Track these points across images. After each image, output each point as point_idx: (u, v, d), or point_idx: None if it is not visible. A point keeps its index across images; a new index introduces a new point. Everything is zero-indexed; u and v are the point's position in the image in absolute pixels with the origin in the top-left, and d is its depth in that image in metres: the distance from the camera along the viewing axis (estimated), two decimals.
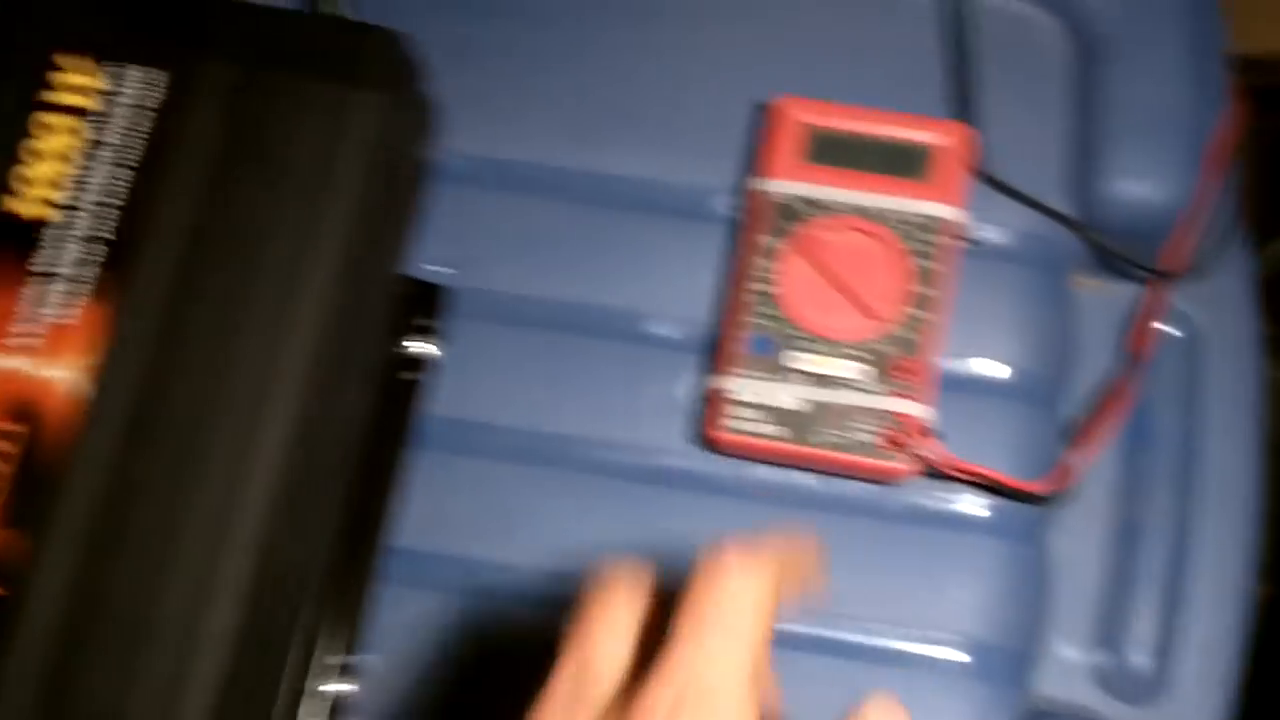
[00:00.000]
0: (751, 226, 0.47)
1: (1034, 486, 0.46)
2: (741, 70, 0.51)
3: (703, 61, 0.52)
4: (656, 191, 0.50)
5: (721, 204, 0.50)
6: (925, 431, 0.45)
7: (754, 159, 0.50)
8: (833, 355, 0.46)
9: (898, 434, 0.45)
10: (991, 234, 0.49)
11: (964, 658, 0.46)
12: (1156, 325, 0.49)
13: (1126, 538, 0.49)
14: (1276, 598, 0.65)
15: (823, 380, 0.46)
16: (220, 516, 0.40)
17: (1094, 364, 0.51)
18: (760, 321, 0.46)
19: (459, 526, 0.48)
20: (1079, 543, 0.49)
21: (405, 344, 0.49)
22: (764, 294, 0.46)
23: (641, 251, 0.50)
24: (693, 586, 0.31)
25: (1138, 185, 0.48)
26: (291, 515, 0.42)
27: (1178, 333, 0.51)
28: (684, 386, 0.49)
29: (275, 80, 0.43)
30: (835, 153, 0.47)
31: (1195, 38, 0.50)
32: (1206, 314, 0.51)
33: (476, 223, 0.50)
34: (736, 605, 0.30)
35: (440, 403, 0.49)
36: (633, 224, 0.50)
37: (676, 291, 0.49)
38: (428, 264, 0.50)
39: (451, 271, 0.50)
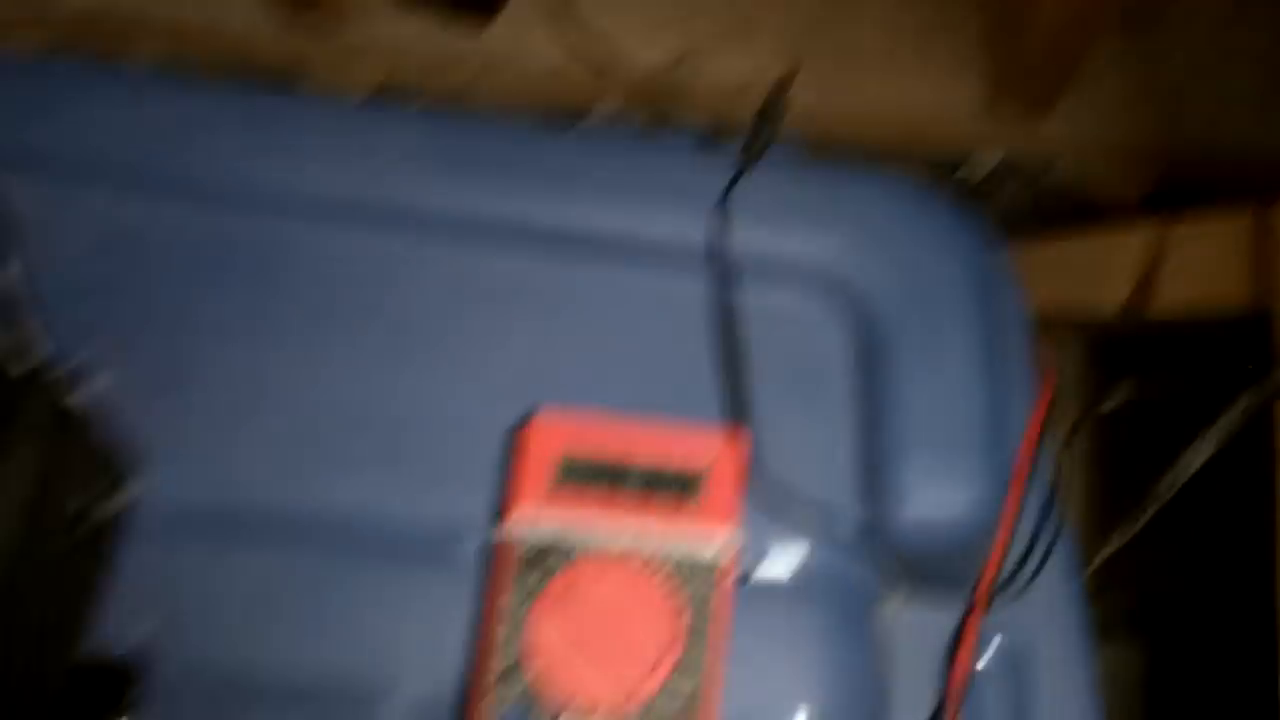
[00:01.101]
0: (496, 584, 0.40)
1: None
2: (502, 389, 0.44)
3: (457, 380, 0.45)
4: (396, 535, 0.43)
5: (474, 547, 0.43)
6: None
7: (503, 496, 0.43)
8: None
9: None
10: (778, 567, 0.43)
11: None
12: (971, 656, 0.43)
13: None
14: None
15: None
16: None
17: (912, 697, 0.44)
18: (507, 697, 0.39)
19: None
20: None
21: None
22: (510, 665, 0.39)
23: (377, 610, 0.42)
24: None
25: (933, 500, 0.43)
26: None
27: (1000, 654, 0.45)
28: None
29: None
30: (591, 482, 0.41)
31: (982, 322, 0.45)
32: (1030, 629, 0.45)
33: (181, 582, 0.43)
34: None
35: None
36: (367, 576, 0.43)
37: (420, 661, 0.42)
38: (122, 636, 0.42)
39: (152, 643, 0.42)
